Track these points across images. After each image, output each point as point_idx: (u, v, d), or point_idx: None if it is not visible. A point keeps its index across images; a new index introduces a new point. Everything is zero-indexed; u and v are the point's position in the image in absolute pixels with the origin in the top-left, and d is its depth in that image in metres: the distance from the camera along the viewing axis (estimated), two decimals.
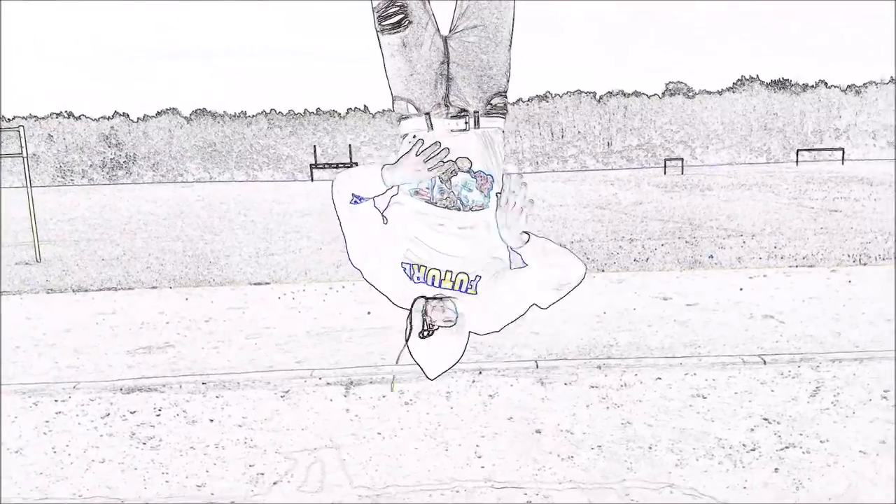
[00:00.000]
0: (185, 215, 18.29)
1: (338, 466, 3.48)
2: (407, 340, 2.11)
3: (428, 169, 2.03)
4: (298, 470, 3.45)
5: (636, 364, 4.96)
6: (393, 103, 2.14)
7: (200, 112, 36.99)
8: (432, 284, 2.08)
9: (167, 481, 3.36)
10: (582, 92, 33.58)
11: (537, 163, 33.56)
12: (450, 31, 2.08)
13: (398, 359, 2.19)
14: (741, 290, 7.31)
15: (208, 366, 5.23)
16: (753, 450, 3.65)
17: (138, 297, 8.35)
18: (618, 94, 33.54)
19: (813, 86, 32.72)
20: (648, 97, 33.28)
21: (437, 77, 2.07)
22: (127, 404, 4.30)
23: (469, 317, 2.12)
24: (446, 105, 2.08)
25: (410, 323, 2.09)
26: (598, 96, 33.66)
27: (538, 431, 3.90)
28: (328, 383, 4.55)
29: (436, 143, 2.03)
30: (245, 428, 3.97)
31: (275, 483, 3.32)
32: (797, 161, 30.70)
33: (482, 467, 3.46)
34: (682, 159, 29.33)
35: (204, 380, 4.65)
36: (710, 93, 32.99)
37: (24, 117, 36.48)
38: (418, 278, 2.07)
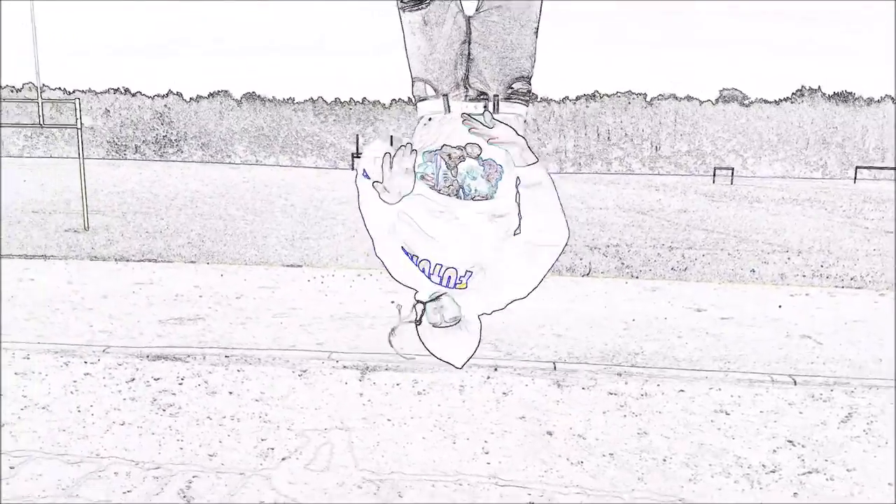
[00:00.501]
0: (230, 195, 18.67)
1: (346, 448, 3.50)
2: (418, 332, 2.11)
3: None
4: (308, 448, 3.49)
5: (659, 374, 4.88)
6: (412, 85, 2.13)
7: (250, 96, 37.61)
8: (423, 272, 2.07)
9: (181, 448, 3.43)
10: (632, 93, 33.07)
11: (580, 164, 33.19)
12: (475, 11, 2.05)
13: (391, 338, 2.14)
14: (780, 307, 7.12)
15: (234, 340, 5.33)
16: (773, 471, 3.55)
17: (176, 271, 8.55)
18: (669, 97, 32.92)
19: (878, 100, 31.55)
20: (701, 103, 32.57)
21: (458, 57, 2.04)
22: (152, 371, 4.41)
23: (470, 304, 2.10)
24: (465, 87, 2.05)
25: (419, 316, 2.09)
26: (648, 98, 33.10)
27: (549, 433, 3.86)
28: (345, 366, 4.59)
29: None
30: (261, 403, 4.04)
31: (283, 459, 3.37)
32: (855, 178, 29.68)
33: (488, 463, 3.45)
34: (732, 169, 28.67)
35: (227, 353, 4.74)
36: (766, 102, 32.12)
37: (83, 91, 37.67)
38: (415, 263, 2.06)
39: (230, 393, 4.17)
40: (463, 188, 2.04)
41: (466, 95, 2.04)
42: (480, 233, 2.05)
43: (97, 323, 5.76)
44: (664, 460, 3.65)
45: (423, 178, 2.05)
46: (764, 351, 5.55)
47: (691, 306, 7.19)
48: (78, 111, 12.91)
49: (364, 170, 2.06)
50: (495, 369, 4.64)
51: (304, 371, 4.53)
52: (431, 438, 3.66)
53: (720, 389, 4.63)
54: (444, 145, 2.02)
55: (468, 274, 2.06)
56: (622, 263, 9.95)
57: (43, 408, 3.77)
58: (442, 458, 3.47)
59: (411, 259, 2.07)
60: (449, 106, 2.04)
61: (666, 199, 20.81)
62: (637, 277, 8.92)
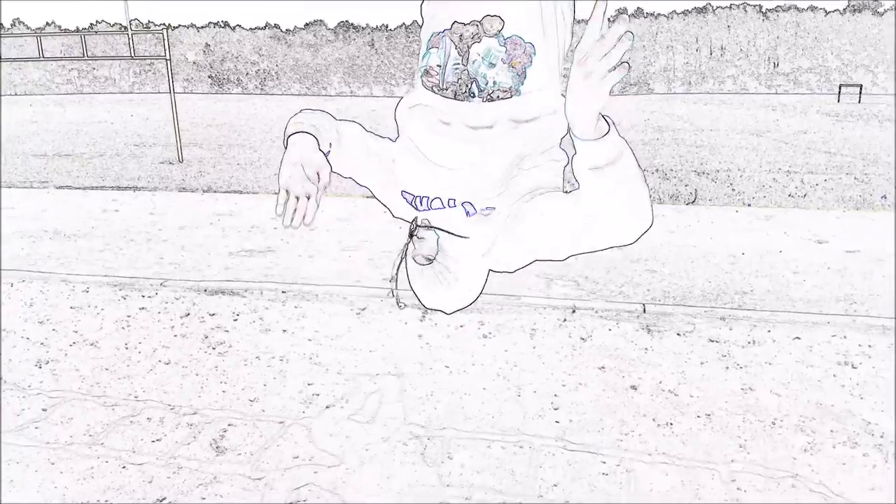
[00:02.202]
0: None
1: (396, 397, 3.14)
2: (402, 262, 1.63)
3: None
4: (356, 395, 3.16)
5: (771, 318, 4.19)
6: None
7: (344, 24, 37.22)
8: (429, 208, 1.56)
9: (224, 391, 3.19)
10: (748, 5, 29.96)
11: (690, 83, 30.81)
12: None
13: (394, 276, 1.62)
14: None
15: (299, 274, 5.07)
16: None
17: (257, 202, 8.45)
18: (790, 8, 29.62)
19: None
20: (827, 13, 29.13)
21: None
22: (208, 306, 4.21)
23: (463, 256, 1.57)
24: None
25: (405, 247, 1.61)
26: (765, 10, 29.90)
27: (633, 388, 3.34)
28: (405, 305, 4.19)
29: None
30: (314, 343, 3.74)
31: (327, 407, 3.05)
32: None
33: (556, 422, 2.99)
34: (860, 86, 25.70)
35: (284, 289, 4.47)
36: None
37: (185, 26, 38.49)
38: (423, 209, 1.56)
39: (284, 331, 3.89)
40: (477, 81, 1.45)
41: None
42: (505, 146, 1.48)
43: (168, 255, 5.67)
44: (773, 424, 3.07)
45: (426, 73, 1.50)
46: None
47: (811, 237, 6.29)
48: (166, 41, 12.93)
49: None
50: (573, 311, 4.11)
51: (363, 309, 4.19)
52: (493, 389, 3.24)
53: (845, 337, 3.92)
54: (454, 23, 1.46)
55: (489, 210, 1.52)
56: (732, 189, 8.98)
57: (91, 344, 3.63)
58: (502, 412, 3.04)
59: (413, 203, 1.56)
60: None
61: (784, 120, 18.90)
62: (749, 205, 7.99)
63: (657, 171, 10.24)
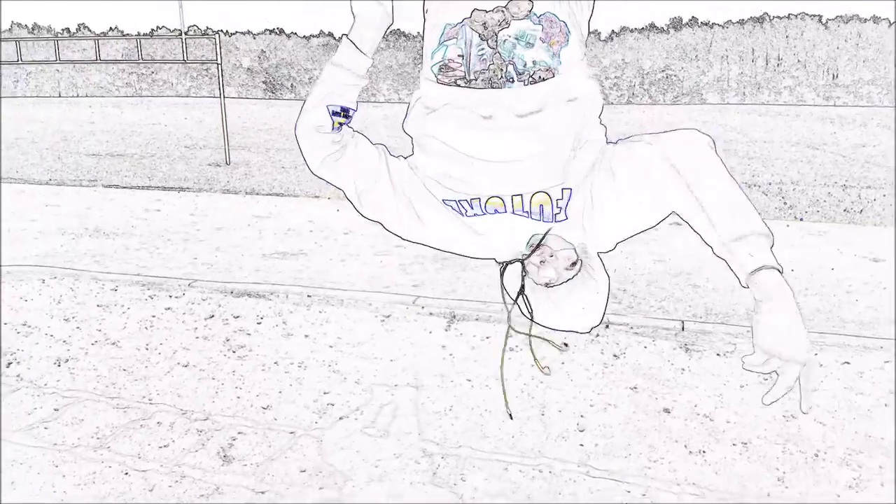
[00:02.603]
0: (368, 132, 18.71)
1: (412, 410, 3.02)
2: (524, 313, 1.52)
3: None
4: (370, 407, 3.05)
5: (819, 340, 3.92)
6: None
7: (395, 32, 37.59)
8: (491, 214, 1.43)
9: (238, 397, 3.12)
10: (807, 15, 29.03)
11: (744, 94, 29.98)
12: None
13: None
14: None
15: (328, 278, 5.01)
16: None
17: (297, 205, 8.47)
18: (851, 19, 28.56)
19: None
20: (891, 24, 27.98)
21: None
22: (233, 308, 4.17)
23: (580, 237, 1.47)
24: None
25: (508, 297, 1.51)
26: (825, 20, 28.90)
27: (666, 411, 3.14)
28: (431, 313, 4.08)
29: None
30: (335, 350, 3.65)
31: (341, 418, 2.95)
32: None
33: (580, 445, 2.82)
34: None
35: (310, 293, 4.41)
36: None
37: (242, 33, 39.37)
38: (473, 213, 1.43)
39: (306, 336, 3.82)
40: (514, 64, 1.34)
41: None
42: (562, 131, 1.36)
43: (203, 255, 5.68)
44: (816, 456, 2.84)
45: (444, 69, 1.37)
46: None
47: (866, 255, 5.94)
48: (217, 46, 13.17)
49: (331, 112, 1.46)
50: (607, 325, 3.93)
51: (388, 316, 4.09)
52: (516, 406, 3.08)
53: None
54: (474, 10, 1.33)
55: (566, 194, 1.40)
56: (784, 203, 8.61)
57: (113, 343, 3.62)
58: (523, 432, 2.88)
59: (460, 209, 1.43)
60: None
61: (842, 133, 18.18)
62: (801, 220, 7.63)
63: None
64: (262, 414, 2.97)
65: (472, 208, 1.43)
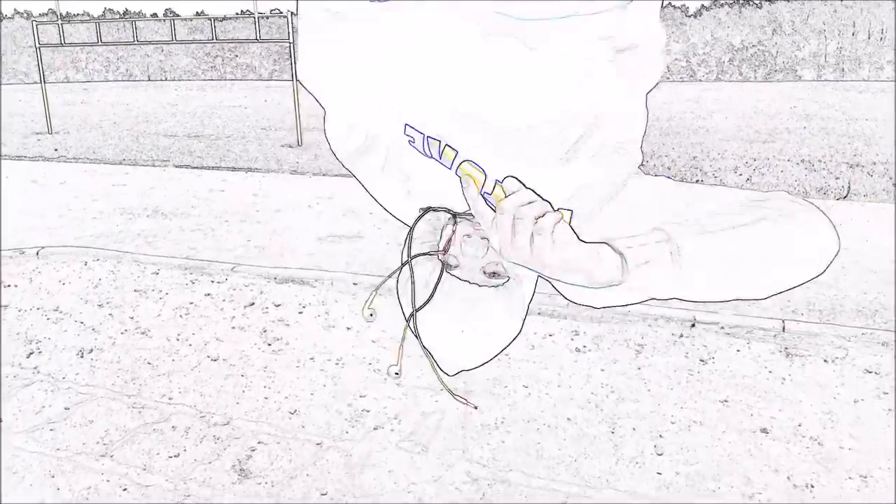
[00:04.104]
0: None
1: (459, 422, 2.61)
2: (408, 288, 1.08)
3: None
4: (410, 415, 2.65)
5: None
6: None
7: None
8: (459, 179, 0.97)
9: (265, 398, 2.80)
10: None
11: (843, 69, 27.70)
12: None
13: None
14: None
15: (382, 263, 4.65)
16: None
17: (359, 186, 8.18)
18: None
19: None
20: None
21: None
22: (275, 295, 3.87)
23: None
24: None
25: (409, 256, 1.06)
26: None
27: (764, 431, 2.60)
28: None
29: None
30: (377, 345, 3.28)
31: (375, 428, 2.57)
32: None
33: (658, 474, 2.33)
34: None
35: (356, 280, 4.05)
36: None
37: None
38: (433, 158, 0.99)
39: (348, 329, 3.47)
40: None
41: None
42: (598, 78, 0.91)
43: (257, 238, 5.44)
44: None
45: None
46: None
47: None
48: (290, 26, 13.05)
49: None
50: (693, 324, 3.38)
51: None
52: (580, 421, 2.62)
53: None
54: None
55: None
56: (894, 184, 7.65)
57: (143, 333, 3.37)
58: (588, 455, 2.42)
59: (426, 149, 0.99)
60: None
61: None
62: None
63: (803, 161, 8.99)
64: (288, 420, 2.63)
65: (429, 147, 0.99)
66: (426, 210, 1.02)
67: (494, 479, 2.28)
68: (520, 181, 0.89)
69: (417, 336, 1.06)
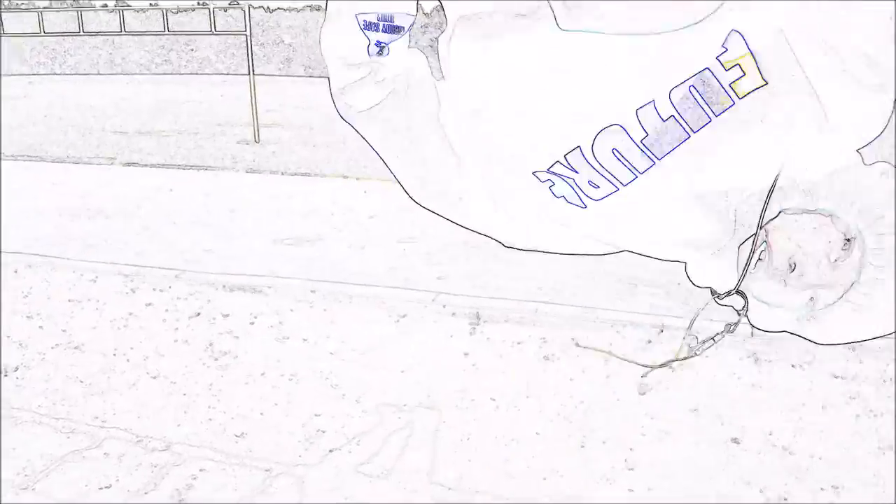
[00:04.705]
0: None
1: (425, 441, 2.45)
2: None
3: None
4: (371, 437, 2.48)
5: None
6: None
7: None
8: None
9: (210, 419, 2.59)
10: None
11: None
12: None
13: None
14: None
15: (341, 269, 4.45)
16: None
17: (324, 185, 7.92)
18: None
19: None
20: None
21: None
22: (223, 305, 3.65)
23: None
24: None
25: None
26: None
27: (735, 441, 2.52)
28: (453, 313, 3.48)
29: None
30: (336, 358, 3.10)
31: (331, 451, 2.40)
32: None
33: (630, 490, 2.21)
34: None
35: (314, 287, 3.85)
36: None
37: (284, 9, 38.96)
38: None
39: (304, 340, 3.27)
40: None
41: None
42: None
43: (207, 240, 5.17)
44: None
45: None
46: None
47: None
48: (247, 18, 12.66)
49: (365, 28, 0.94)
50: (661, 330, 3.28)
51: (403, 316, 3.51)
52: (549, 436, 2.49)
53: None
54: None
55: None
56: None
57: (76, 347, 3.12)
58: (558, 471, 2.29)
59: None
60: None
61: None
62: None
63: None
64: (234, 443, 2.43)
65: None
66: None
67: (462, 501, 2.13)
68: None
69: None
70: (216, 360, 3.06)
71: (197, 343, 3.21)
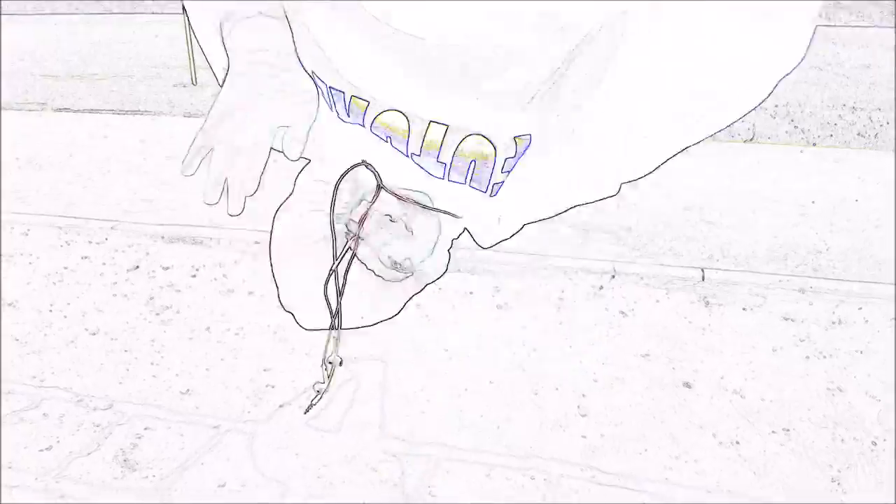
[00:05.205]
0: None
1: (375, 394, 2.41)
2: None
3: None
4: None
5: (865, 293, 3.31)
6: None
7: None
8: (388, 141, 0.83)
9: (153, 376, 2.49)
10: None
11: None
12: None
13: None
14: None
15: None
16: None
17: None
18: None
19: None
20: None
21: None
22: (163, 258, 3.49)
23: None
24: None
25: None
26: None
27: (687, 385, 2.55)
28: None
29: None
30: (284, 312, 3.00)
31: (281, 405, 2.34)
32: None
33: (583, 437, 2.22)
34: None
35: (259, 238, 3.72)
36: None
37: None
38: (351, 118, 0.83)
39: (250, 293, 3.17)
40: None
41: None
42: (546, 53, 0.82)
43: (144, 190, 4.94)
44: (874, 444, 2.28)
45: None
46: None
47: (889, 184, 5.30)
48: None
49: None
50: (613, 276, 3.29)
51: None
52: (502, 384, 2.48)
53: None
54: None
55: (522, 148, 0.88)
56: (794, 127, 7.90)
57: (10, 304, 2.95)
58: (512, 420, 2.28)
59: (333, 103, 0.85)
60: None
61: (844, 54, 17.29)
62: (815, 145, 6.94)
63: None
64: (179, 400, 2.34)
65: (340, 103, 0.88)
66: (355, 165, 0.89)
67: (413, 454, 2.11)
68: None
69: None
70: (157, 314, 2.93)
71: (137, 297, 3.07)
